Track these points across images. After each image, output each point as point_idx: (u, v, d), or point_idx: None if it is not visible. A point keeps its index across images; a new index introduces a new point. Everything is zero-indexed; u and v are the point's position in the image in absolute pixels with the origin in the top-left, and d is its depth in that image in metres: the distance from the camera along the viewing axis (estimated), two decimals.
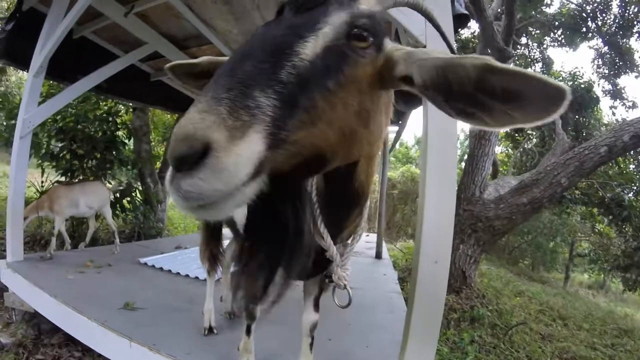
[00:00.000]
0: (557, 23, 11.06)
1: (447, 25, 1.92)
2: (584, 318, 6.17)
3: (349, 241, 1.27)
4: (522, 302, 6.26)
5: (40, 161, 5.11)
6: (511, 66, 0.67)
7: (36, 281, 2.90)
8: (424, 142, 1.85)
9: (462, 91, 0.69)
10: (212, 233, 2.43)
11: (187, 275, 3.60)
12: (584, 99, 10.59)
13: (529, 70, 0.66)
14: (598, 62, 11.70)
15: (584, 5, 10.60)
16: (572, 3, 11.05)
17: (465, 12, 2.99)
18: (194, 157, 0.49)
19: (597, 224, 11.62)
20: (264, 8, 3.29)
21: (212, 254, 2.44)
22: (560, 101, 0.62)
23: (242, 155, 0.51)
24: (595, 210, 10.46)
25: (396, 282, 4.17)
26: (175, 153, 0.50)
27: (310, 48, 0.65)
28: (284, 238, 0.76)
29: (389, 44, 0.79)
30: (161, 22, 4.08)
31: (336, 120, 0.67)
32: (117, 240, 4.38)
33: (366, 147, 0.81)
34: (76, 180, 4.88)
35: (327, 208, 1.11)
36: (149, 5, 3.63)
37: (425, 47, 1.82)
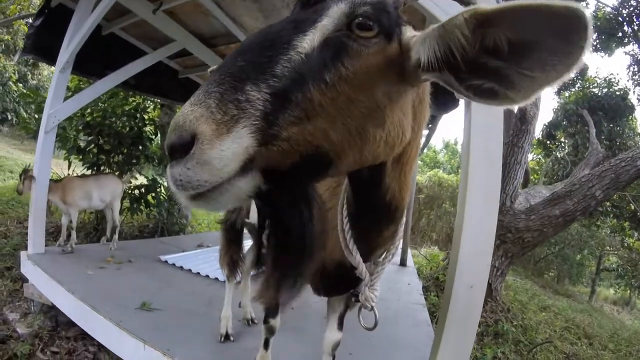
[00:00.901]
0: (592, 27, 10.66)
1: None
2: (609, 337, 6.03)
3: (381, 259, 1.15)
4: (548, 317, 6.12)
5: (67, 154, 5.19)
6: (502, 4, 0.56)
7: (55, 275, 2.91)
8: (465, 160, 1.71)
9: (470, 60, 0.63)
10: (232, 238, 2.36)
11: (207, 276, 3.55)
12: (619, 107, 10.23)
13: (524, 1, 0.55)
14: (634, 68, 11.31)
15: (620, 9, 10.20)
16: (607, 7, 10.64)
17: None
18: (184, 147, 0.52)
19: (627, 238, 11.31)
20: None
21: (232, 260, 2.37)
22: (582, 29, 0.51)
23: (227, 150, 0.52)
24: (626, 223, 10.09)
25: (420, 292, 4.02)
26: (167, 142, 0.54)
27: (308, 41, 0.63)
28: (291, 242, 0.74)
29: (409, 32, 0.72)
30: (189, 19, 4.05)
31: (337, 116, 0.63)
32: (116, 236, 4.28)
33: (384, 150, 0.74)
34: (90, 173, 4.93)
35: (358, 222, 1.03)
36: (177, 3, 3.60)
37: None
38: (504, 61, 0.60)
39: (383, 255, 1.16)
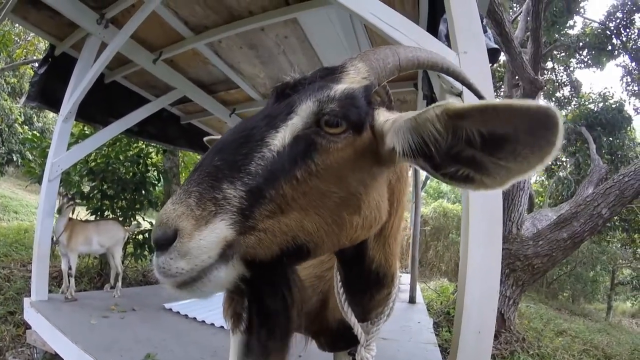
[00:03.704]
0: (581, 44, 10.97)
1: (484, 66, 1.84)
2: (629, 355, 6.01)
3: (376, 318, 1.15)
4: (565, 342, 5.99)
5: None
6: (474, 103, 0.59)
7: (58, 324, 2.88)
8: (465, 210, 1.71)
9: (444, 151, 0.64)
10: (234, 290, 2.33)
11: (213, 324, 3.47)
12: (617, 120, 10.29)
13: (496, 101, 0.59)
14: (627, 79, 11.52)
15: (607, 22, 10.48)
16: (594, 22, 10.93)
17: (496, 46, 2.89)
18: (168, 240, 0.57)
19: (638, 250, 11.14)
20: (289, 53, 3.32)
21: (235, 312, 2.32)
22: (552, 126, 0.52)
23: (204, 240, 0.57)
24: (636, 235, 10.02)
25: (431, 331, 3.90)
26: (153, 236, 0.59)
27: (280, 139, 0.65)
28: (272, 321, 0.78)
29: (382, 117, 0.73)
30: (189, 67, 4.17)
31: (311, 208, 0.65)
32: (119, 284, 4.26)
33: (361, 232, 0.75)
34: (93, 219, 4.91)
35: (349, 288, 1.05)
36: (177, 52, 3.73)
37: (461, 93, 1.74)
38: (478, 150, 0.61)
39: (379, 317, 1.15)
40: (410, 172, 0.99)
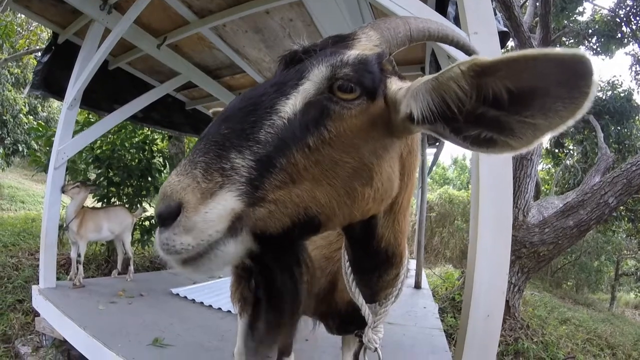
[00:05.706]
0: (590, 31, 10.74)
1: (495, 47, 1.82)
2: (632, 345, 6.01)
3: (384, 300, 1.14)
4: (569, 331, 6.02)
5: None
6: (503, 55, 0.53)
7: (67, 310, 2.92)
8: (475, 193, 1.70)
9: (467, 112, 0.60)
10: (242, 274, 2.34)
11: (220, 309, 3.50)
12: (625, 109, 10.13)
13: (527, 50, 0.52)
14: (636, 68, 11.28)
15: (617, 10, 10.26)
16: (604, 9, 10.72)
17: (505, 29, 2.84)
18: (172, 214, 0.53)
19: None
20: (295, 36, 3.27)
21: (242, 296, 2.34)
22: (586, 75, 0.49)
23: (210, 212, 0.53)
24: None
25: (437, 316, 3.92)
26: (156, 210, 0.56)
27: (291, 105, 0.62)
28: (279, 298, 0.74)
29: (394, 85, 0.70)
30: (194, 52, 4.15)
31: (323, 178, 0.63)
32: (132, 267, 4.34)
33: (372, 205, 0.73)
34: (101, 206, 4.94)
35: (358, 268, 1.04)
36: (181, 37, 3.69)
37: None
38: (503, 110, 0.57)
39: (387, 298, 1.14)
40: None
